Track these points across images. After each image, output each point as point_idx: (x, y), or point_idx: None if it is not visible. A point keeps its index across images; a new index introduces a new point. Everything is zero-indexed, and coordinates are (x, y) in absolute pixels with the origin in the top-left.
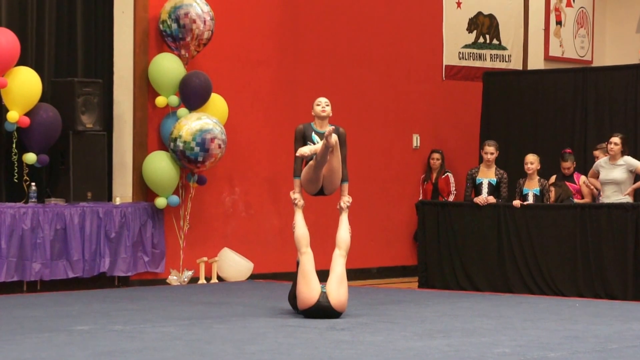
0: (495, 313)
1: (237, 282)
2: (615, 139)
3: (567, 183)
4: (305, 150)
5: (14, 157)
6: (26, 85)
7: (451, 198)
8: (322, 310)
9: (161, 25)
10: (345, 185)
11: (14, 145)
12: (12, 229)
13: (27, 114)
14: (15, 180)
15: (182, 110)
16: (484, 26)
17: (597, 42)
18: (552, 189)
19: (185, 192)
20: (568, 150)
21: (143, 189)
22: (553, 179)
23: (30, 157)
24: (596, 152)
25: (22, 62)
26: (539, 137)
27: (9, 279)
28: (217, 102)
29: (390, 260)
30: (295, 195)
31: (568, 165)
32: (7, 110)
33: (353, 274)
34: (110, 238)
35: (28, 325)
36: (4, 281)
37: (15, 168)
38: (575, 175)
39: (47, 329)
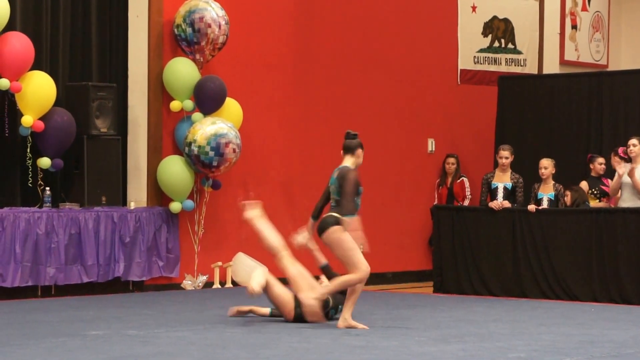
0: (510, 318)
1: None
2: (634, 140)
3: (601, 186)
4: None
5: (29, 161)
6: (41, 89)
7: (466, 203)
8: (303, 319)
9: (176, 30)
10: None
11: (28, 150)
12: (26, 233)
13: (41, 119)
14: (30, 185)
15: (197, 115)
16: (499, 30)
17: (613, 46)
18: (568, 193)
19: (199, 197)
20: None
21: (157, 194)
22: (584, 184)
23: (44, 162)
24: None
25: (36, 66)
26: (554, 142)
27: (23, 283)
28: (231, 107)
29: (405, 265)
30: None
31: (602, 160)
32: (21, 115)
33: (368, 279)
34: (125, 243)
35: (42, 330)
36: (18, 286)
37: (30, 172)
38: (604, 180)
39: (61, 333)
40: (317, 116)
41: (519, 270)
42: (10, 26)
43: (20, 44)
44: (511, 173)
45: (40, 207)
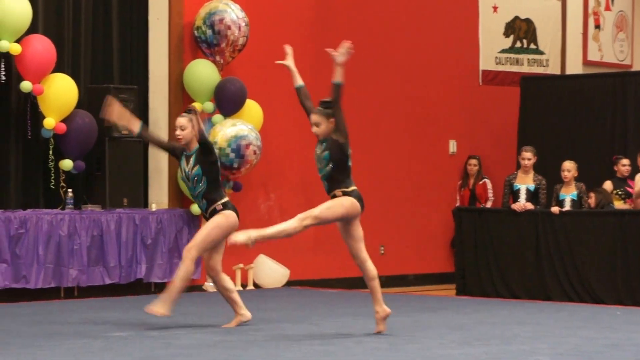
0: (533, 321)
1: (273, 289)
2: None
3: (626, 188)
4: None
5: (51, 163)
6: (62, 91)
7: (489, 204)
8: None
9: (196, 32)
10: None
11: (50, 152)
12: (49, 235)
13: (63, 121)
14: (52, 187)
15: (217, 117)
16: (521, 30)
17: (637, 46)
18: (592, 195)
19: None
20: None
21: (179, 196)
22: (608, 184)
23: (66, 164)
24: None
25: (58, 68)
26: (577, 143)
27: (46, 285)
28: (252, 108)
29: (427, 267)
30: None
31: (627, 161)
32: (43, 117)
33: (390, 281)
34: (147, 244)
35: (65, 331)
36: (41, 287)
37: (52, 174)
38: (629, 181)
39: (84, 335)
40: None
41: (542, 272)
42: (32, 29)
43: (43, 46)
44: (534, 175)
45: (63, 209)
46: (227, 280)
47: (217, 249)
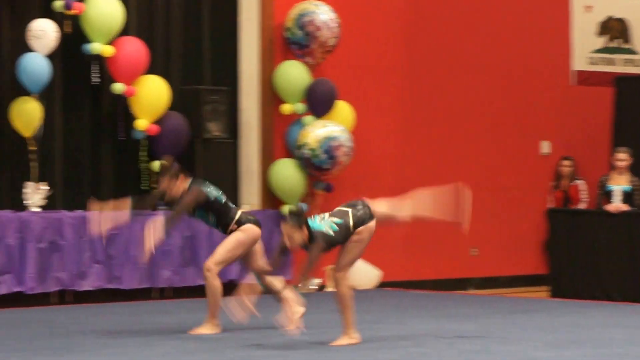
0: (629, 323)
1: (365, 291)
2: None
3: None
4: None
5: (143, 164)
6: (154, 93)
7: (582, 206)
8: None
9: (286, 33)
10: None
11: (144, 153)
12: (142, 236)
13: (155, 122)
14: (144, 188)
15: (308, 118)
16: (615, 30)
17: None
18: None
19: (312, 200)
20: None
21: (270, 197)
22: None
23: (158, 165)
24: None
25: (150, 70)
26: None
27: (139, 285)
28: (343, 109)
29: (519, 268)
30: None
31: None
32: (135, 119)
33: (482, 283)
34: None
35: (158, 332)
36: (134, 288)
37: (145, 176)
38: None
39: (177, 336)
40: (429, 118)
41: (638, 274)
42: (124, 31)
43: (134, 48)
44: (629, 176)
45: (155, 210)
46: (274, 281)
47: (253, 256)
